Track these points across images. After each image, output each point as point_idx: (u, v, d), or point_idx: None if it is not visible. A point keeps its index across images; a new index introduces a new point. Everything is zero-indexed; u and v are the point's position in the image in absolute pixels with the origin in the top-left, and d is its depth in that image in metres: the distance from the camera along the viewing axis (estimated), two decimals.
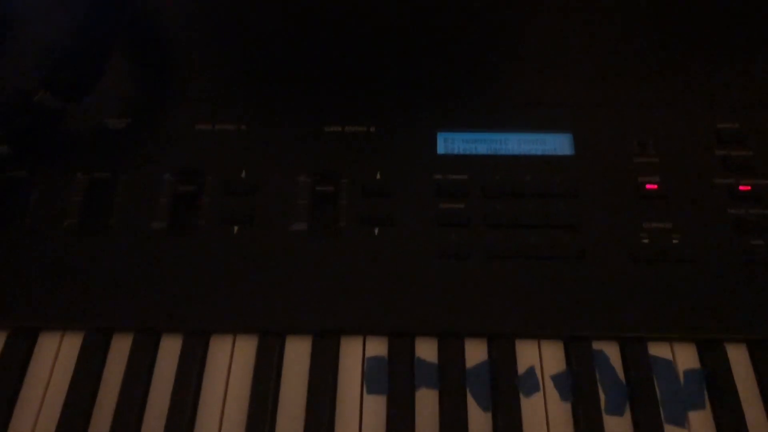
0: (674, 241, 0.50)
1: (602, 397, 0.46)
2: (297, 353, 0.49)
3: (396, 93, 0.57)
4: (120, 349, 0.49)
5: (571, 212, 0.52)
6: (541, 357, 0.48)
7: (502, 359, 0.47)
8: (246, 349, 0.49)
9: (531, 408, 0.46)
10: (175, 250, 0.52)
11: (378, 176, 0.54)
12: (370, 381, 0.47)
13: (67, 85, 0.54)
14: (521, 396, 0.46)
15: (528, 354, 0.48)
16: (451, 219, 0.52)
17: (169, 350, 0.49)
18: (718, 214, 0.51)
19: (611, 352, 0.48)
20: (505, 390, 0.46)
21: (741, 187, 0.52)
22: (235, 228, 0.52)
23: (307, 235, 0.52)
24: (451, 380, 0.47)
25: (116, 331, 0.50)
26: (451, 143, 0.55)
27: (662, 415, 0.45)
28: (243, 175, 0.54)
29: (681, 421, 0.46)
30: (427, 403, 0.46)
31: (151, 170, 0.55)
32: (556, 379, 0.47)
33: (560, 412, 0.46)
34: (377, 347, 0.49)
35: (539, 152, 0.54)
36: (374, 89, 0.57)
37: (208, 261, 0.51)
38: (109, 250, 0.52)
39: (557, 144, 0.55)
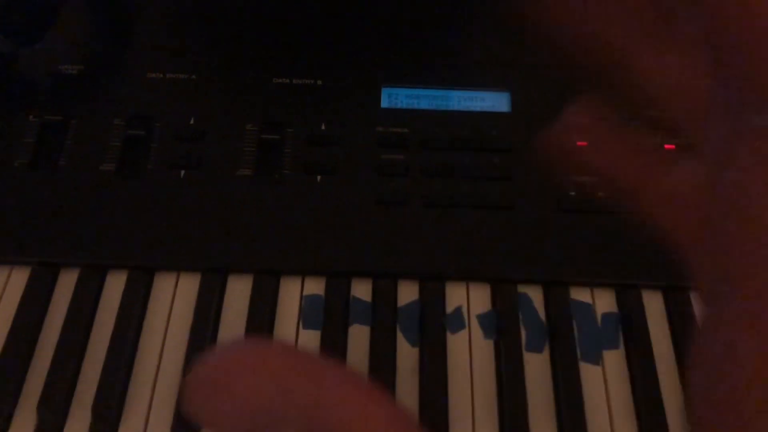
0: (599, 194, 0.53)
1: (523, 335, 0.49)
2: (238, 291, 0.51)
3: (343, 48, 0.59)
4: (66, 284, 0.51)
5: (504, 165, 0.54)
6: (468, 298, 0.51)
7: (431, 299, 0.50)
8: (189, 285, 0.51)
9: (456, 344, 0.49)
10: (122, 192, 0.53)
11: (323, 127, 0.56)
12: (306, 317, 0.50)
13: (18, 28, 0.55)
14: (447, 333, 0.49)
15: (457, 295, 0.51)
16: (390, 169, 0.54)
17: (115, 286, 0.51)
18: None
19: (534, 295, 0.51)
20: (432, 327, 0.49)
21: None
22: (183, 172, 0.54)
23: (251, 181, 0.54)
24: (382, 317, 0.49)
25: (63, 266, 0.52)
26: (394, 98, 0.57)
27: (578, 353, 0.49)
28: (192, 122, 0.56)
29: (596, 359, 0.49)
30: (359, 338, 0.49)
31: (102, 115, 0.56)
32: (481, 318, 0.50)
33: (483, 348, 0.49)
34: (315, 287, 0.51)
35: (478, 109, 0.57)
36: (322, 43, 0.60)
37: (154, 203, 0.53)
38: (58, 189, 0.53)
39: (495, 101, 0.57)
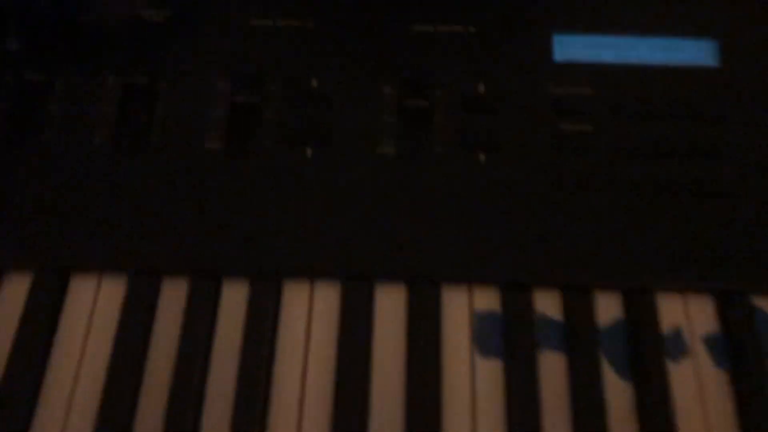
0: None
1: None
2: (389, 304, 0.40)
3: None
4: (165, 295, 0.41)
5: (716, 138, 0.42)
6: (688, 315, 0.40)
7: (641, 316, 0.39)
8: (324, 296, 0.41)
9: (679, 375, 0.38)
10: (232, 175, 0.42)
11: (480, 89, 0.44)
12: (480, 341, 0.39)
13: None
14: (667, 361, 0.38)
15: (673, 311, 0.40)
16: (572, 142, 0.42)
17: (231, 296, 0.41)
18: None
19: None
20: (647, 354, 0.38)
21: None
22: (308, 150, 0.43)
23: (394, 160, 0.42)
24: (580, 341, 0.39)
25: (165, 274, 0.41)
26: (570, 48, 0.45)
27: None
28: (313, 83, 0.44)
29: None
30: (551, 369, 0.38)
31: (199, 76, 0.44)
32: (708, 341, 0.39)
33: (715, 380, 0.38)
34: (488, 300, 0.40)
35: (676, 62, 0.44)
36: None
37: (277, 189, 0.42)
38: (150, 175, 0.42)
39: (698, 52, 0.45)
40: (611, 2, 0.45)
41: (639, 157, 0.42)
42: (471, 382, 0.38)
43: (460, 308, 0.40)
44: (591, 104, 0.43)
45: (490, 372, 0.38)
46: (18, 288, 0.41)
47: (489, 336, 0.39)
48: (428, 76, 0.44)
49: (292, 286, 0.41)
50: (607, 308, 0.40)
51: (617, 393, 0.38)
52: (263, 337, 0.39)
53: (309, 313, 0.40)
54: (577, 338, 0.39)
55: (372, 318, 0.40)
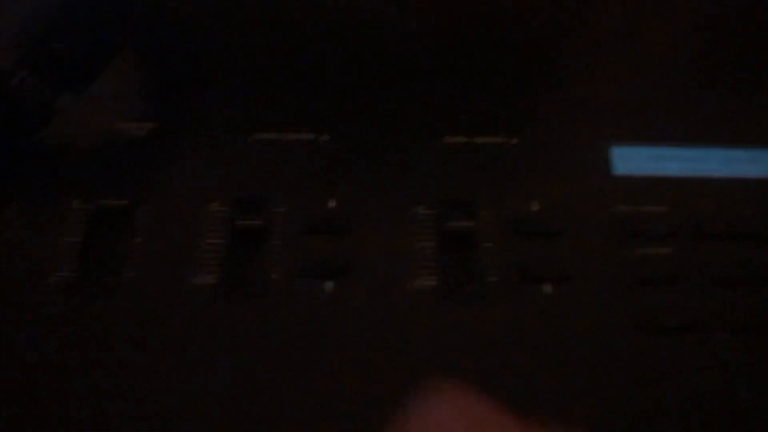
0: None
1: None
2: None
3: (546, 91, 0.41)
4: None
5: None
6: None
7: None
8: None
9: None
10: (231, 318, 0.33)
11: (533, 207, 0.36)
12: None
13: (57, 64, 0.35)
14: None
15: None
16: (651, 272, 0.35)
17: None
18: None
19: None
20: None
21: None
22: (330, 284, 0.34)
23: (436, 295, 0.34)
24: None
25: None
26: (630, 161, 0.38)
27: None
28: (332, 205, 0.36)
29: None
30: None
31: (190, 198, 0.36)
32: None
33: None
34: None
35: (750, 174, 0.38)
36: (513, 87, 0.41)
37: (291, 331, 0.32)
38: (121, 319, 0.33)
39: None
40: (671, 110, 0.40)
41: (726, 287, 0.35)
42: None
43: None
44: (668, 223, 0.36)
45: None
46: None
47: None
48: (468, 194, 0.37)
49: None
50: None
51: None
52: None
53: None
54: None
55: None
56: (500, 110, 0.39)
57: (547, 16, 0.42)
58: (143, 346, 0.32)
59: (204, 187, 0.36)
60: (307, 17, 0.41)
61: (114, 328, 0.32)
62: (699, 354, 0.33)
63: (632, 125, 0.39)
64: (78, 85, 0.37)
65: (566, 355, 0.33)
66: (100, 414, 0.30)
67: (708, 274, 0.35)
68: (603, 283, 0.34)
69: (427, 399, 0.25)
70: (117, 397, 0.31)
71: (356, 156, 0.38)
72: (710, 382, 0.32)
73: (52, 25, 0.36)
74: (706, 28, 0.43)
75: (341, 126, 0.38)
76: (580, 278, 0.34)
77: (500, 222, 0.36)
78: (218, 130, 0.38)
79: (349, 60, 0.42)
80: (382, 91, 0.40)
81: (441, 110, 0.39)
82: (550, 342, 0.33)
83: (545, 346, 0.33)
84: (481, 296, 0.34)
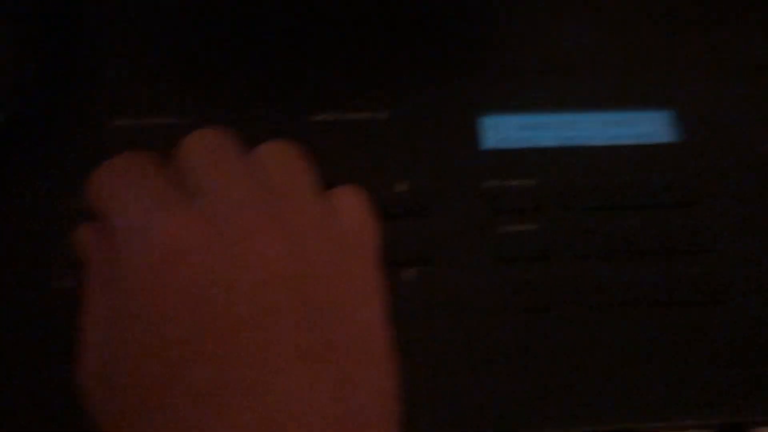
0: None
1: None
2: None
3: (414, 65, 0.39)
4: None
5: (695, 229, 0.35)
6: None
7: None
8: None
9: None
10: None
11: (398, 187, 0.35)
12: None
13: None
14: None
15: None
16: (517, 250, 0.34)
17: None
18: None
19: None
20: None
21: None
22: None
23: None
24: None
25: None
26: (501, 132, 0.37)
27: None
28: None
29: None
30: None
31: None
32: None
33: None
34: None
35: (629, 140, 0.37)
36: (383, 59, 0.39)
37: None
38: None
39: (653, 126, 0.38)
40: (543, 74, 0.38)
41: (600, 260, 0.34)
42: None
43: None
44: (536, 198, 0.35)
45: None
46: None
47: None
48: (333, 171, 0.35)
49: None
50: None
51: None
52: None
53: None
54: None
55: None
56: (369, 84, 0.37)
57: None
58: None
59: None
60: None
61: None
62: (569, 331, 0.33)
63: (503, 93, 0.37)
64: None
65: (431, 339, 0.32)
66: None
67: (576, 248, 0.34)
68: (469, 263, 0.34)
69: None
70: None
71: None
72: (583, 358, 0.32)
73: None
74: None
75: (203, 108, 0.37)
76: (444, 260, 0.34)
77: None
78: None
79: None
80: (248, 71, 0.38)
81: (306, 88, 0.37)
82: (414, 327, 0.32)
83: (410, 331, 0.32)
84: None
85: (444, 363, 0.32)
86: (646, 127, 0.37)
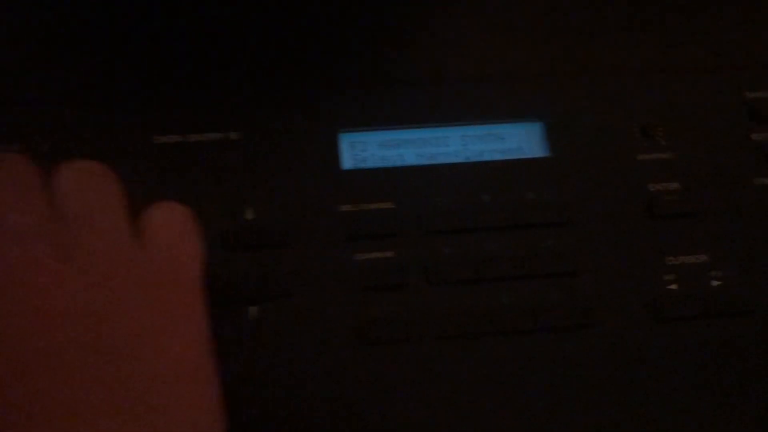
0: (713, 283, 0.33)
1: None
2: None
3: (271, 80, 0.36)
4: None
5: (561, 252, 0.33)
6: None
7: None
8: None
9: None
10: None
11: (248, 215, 0.33)
12: None
13: None
14: None
15: None
16: (374, 279, 0.32)
17: None
18: None
19: None
20: None
21: None
22: None
23: None
24: None
25: None
26: (361, 150, 0.35)
27: None
28: None
29: None
30: None
31: None
32: None
33: None
34: None
35: (495, 156, 0.35)
36: (234, 78, 0.36)
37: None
38: None
39: (522, 141, 0.36)
40: (407, 87, 0.36)
41: (462, 286, 0.32)
42: None
43: None
44: (395, 221, 0.33)
45: None
46: None
47: None
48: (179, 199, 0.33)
49: None
50: None
51: None
52: None
53: None
54: None
55: None
56: (220, 102, 0.35)
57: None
58: None
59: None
60: None
61: None
62: (432, 366, 0.31)
63: (363, 109, 0.35)
64: None
65: (282, 374, 0.30)
66: None
67: (432, 275, 0.32)
68: (322, 295, 0.32)
69: None
70: None
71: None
72: (440, 390, 0.31)
73: None
74: None
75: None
76: (297, 293, 0.32)
77: (209, 235, 0.32)
78: None
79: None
80: (90, 92, 0.35)
81: (151, 107, 0.34)
82: (257, 365, 0.30)
83: (253, 370, 0.30)
84: None
85: (295, 398, 0.30)
86: (513, 141, 0.35)
